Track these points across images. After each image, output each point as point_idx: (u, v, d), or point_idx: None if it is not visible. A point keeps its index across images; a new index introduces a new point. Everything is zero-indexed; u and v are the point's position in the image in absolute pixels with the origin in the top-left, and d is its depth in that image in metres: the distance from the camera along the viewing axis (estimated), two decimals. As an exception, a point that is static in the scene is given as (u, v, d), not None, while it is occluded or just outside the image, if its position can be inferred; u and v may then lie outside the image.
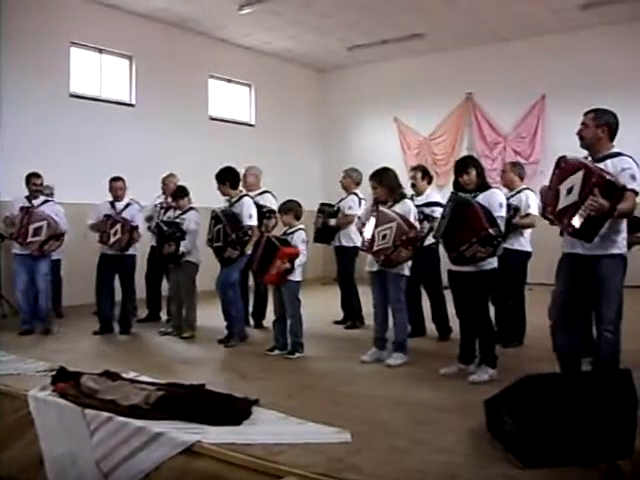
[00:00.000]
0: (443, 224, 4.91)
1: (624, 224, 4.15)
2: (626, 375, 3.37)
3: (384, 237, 5.26)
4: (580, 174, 3.97)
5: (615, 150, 4.14)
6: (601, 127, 4.12)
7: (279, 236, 6.00)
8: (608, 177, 3.85)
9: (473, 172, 5.02)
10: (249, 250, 6.39)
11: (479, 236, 4.64)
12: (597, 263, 4.10)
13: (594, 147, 4.18)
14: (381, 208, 5.41)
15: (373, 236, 5.34)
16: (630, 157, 4.08)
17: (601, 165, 4.09)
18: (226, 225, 6.23)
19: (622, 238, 4.13)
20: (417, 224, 5.56)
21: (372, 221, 5.42)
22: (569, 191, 4.05)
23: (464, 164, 5.11)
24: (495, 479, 3.06)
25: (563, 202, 4.09)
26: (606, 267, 4.09)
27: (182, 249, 6.72)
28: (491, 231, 4.62)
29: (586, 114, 4.20)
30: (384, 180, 5.52)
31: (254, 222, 6.51)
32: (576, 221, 3.96)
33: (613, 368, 4.01)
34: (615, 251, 4.09)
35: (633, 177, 3.98)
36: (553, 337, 4.34)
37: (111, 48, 10.24)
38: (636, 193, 4.01)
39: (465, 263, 4.84)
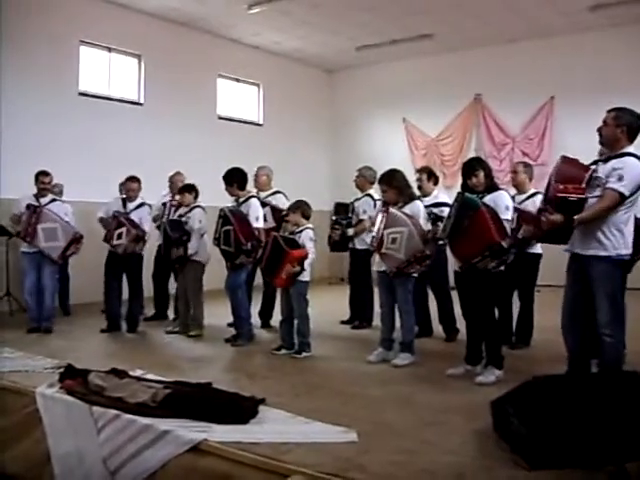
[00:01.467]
0: (449, 224, 4.88)
1: (618, 227, 4.06)
2: (634, 377, 3.37)
3: (394, 241, 5.22)
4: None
5: (627, 150, 4.10)
6: (620, 127, 4.10)
7: (286, 235, 5.97)
8: (560, 193, 3.91)
9: (481, 174, 5.00)
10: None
11: (492, 250, 4.59)
12: (588, 263, 4.10)
13: (611, 146, 4.18)
14: (391, 209, 5.38)
15: (382, 237, 5.32)
16: (639, 159, 4.04)
17: (606, 165, 4.10)
18: (237, 231, 6.11)
19: (613, 241, 4.04)
20: (428, 225, 5.53)
21: (380, 218, 5.41)
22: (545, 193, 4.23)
23: (472, 166, 5.09)
24: (501, 480, 3.05)
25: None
26: (596, 269, 4.06)
27: (190, 251, 6.74)
28: (503, 244, 4.58)
29: (609, 112, 4.19)
30: (393, 182, 5.52)
31: (261, 224, 6.51)
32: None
33: (617, 370, 4.00)
34: (602, 253, 4.04)
35: (620, 177, 3.96)
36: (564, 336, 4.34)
37: (120, 47, 10.27)
38: (621, 194, 3.98)
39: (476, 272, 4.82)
